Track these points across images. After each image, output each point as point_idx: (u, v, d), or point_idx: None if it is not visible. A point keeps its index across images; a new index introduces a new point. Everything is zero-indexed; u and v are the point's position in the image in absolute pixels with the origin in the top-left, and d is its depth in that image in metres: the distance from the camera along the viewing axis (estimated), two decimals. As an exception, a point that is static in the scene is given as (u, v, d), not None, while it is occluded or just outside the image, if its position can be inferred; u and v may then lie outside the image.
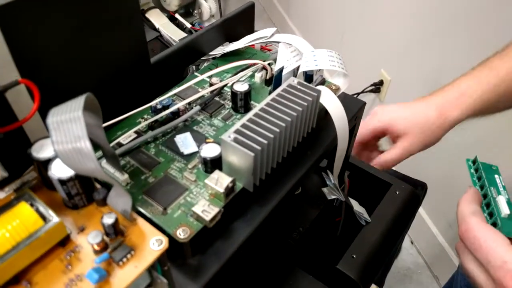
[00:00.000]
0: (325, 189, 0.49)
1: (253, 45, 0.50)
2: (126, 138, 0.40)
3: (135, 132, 0.40)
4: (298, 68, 0.43)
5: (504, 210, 0.38)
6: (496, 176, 0.42)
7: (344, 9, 1.48)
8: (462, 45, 0.98)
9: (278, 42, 0.45)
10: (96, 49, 0.37)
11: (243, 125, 0.35)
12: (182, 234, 0.32)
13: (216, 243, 0.35)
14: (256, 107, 0.36)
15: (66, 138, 0.26)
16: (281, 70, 0.42)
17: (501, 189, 0.41)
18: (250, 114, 0.36)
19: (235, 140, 0.34)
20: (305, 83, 0.38)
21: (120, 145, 0.39)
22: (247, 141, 0.34)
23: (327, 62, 0.41)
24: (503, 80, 0.53)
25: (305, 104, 0.37)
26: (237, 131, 0.34)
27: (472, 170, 0.42)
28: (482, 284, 0.34)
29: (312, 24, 1.76)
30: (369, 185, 0.59)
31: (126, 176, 0.36)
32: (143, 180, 0.37)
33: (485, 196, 0.40)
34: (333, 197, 0.49)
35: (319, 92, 0.38)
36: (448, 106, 0.55)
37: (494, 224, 0.37)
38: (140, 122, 0.42)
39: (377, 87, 1.41)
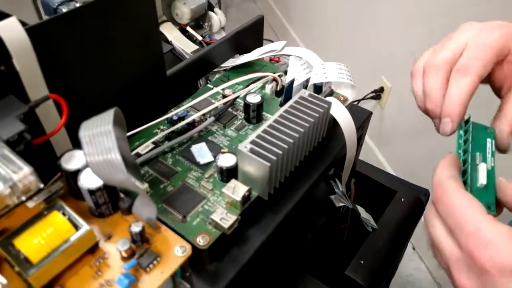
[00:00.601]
0: (333, 197, 0.51)
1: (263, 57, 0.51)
2: (144, 148, 0.41)
3: (153, 142, 0.42)
4: (308, 80, 0.45)
5: (481, 179, 0.33)
6: (488, 140, 0.36)
7: (344, 16, 1.50)
8: None
9: (289, 55, 0.46)
10: (116, 64, 0.39)
11: (259, 136, 0.36)
12: (201, 241, 0.34)
13: (232, 249, 0.37)
14: (270, 119, 0.38)
15: (97, 150, 0.28)
16: (292, 82, 0.44)
17: (488, 155, 0.35)
18: (264, 125, 0.37)
19: (251, 151, 0.35)
20: (315, 95, 0.40)
21: (138, 155, 0.40)
22: (262, 151, 0.35)
23: (336, 75, 0.43)
24: None
25: (317, 115, 0.38)
26: (253, 142, 0.36)
27: (461, 131, 0.36)
28: (447, 254, 0.29)
29: (312, 30, 1.78)
30: (374, 192, 0.60)
31: (146, 185, 0.37)
32: (162, 189, 0.38)
33: (464, 162, 0.34)
34: (341, 204, 0.50)
35: (329, 104, 0.40)
36: None
37: None
38: (156, 133, 0.43)
39: (377, 94, 1.43)
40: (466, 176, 0.33)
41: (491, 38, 0.35)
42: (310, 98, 0.40)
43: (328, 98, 0.42)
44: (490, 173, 0.33)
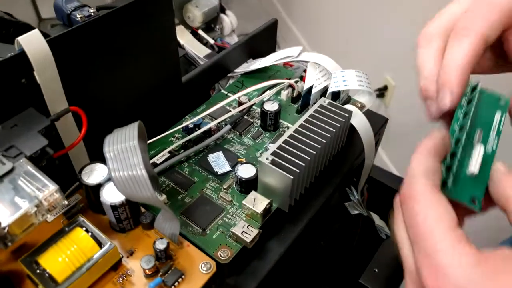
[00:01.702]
0: (347, 204, 0.50)
1: (277, 62, 0.51)
2: (160, 158, 0.41)
3: (169, 151, 0.41)
4: (325, 87, 0.44)
5: (472, 166, 0.25)
6: (497, 114, 0.28)
7: (348, 13, 1.49)
8: None
9: (306, 62, 0.46)
10: (134, 73, 0.38)
11: (280, 147, 0.36)
12: (222, 255, 0.33)
13: (251, 262, 0.36)
14: (290, 128, 0.37)
15: (122, 166, 0.27)
16: (310, 89, 0.43)
17: (492, 134, 0.27)
18: (285, 136, 0.37)
19: (273, 162, 0.35)
20: (335, 103, 0.39)
21: (154, 165, 0.40)
22: (285, 163, 0.35)
23: (356, 82, 0.42)
24: None
25: (338, 125, 0.38)
26: (274, 153, 0.35)
27: (463, 101, 0.28)
28: (405, 262, 0.25)
29: (315, 28, 1.77)
30: (386, 197, 0.60)
31: (164, 197, 0.37)
32: (179, 200, 0.37)
33: (457, 141, 0.27)
34: (356, 212, 0.50)
35: (350, 113, 0.39)
36: None
37: (444, 184, 0.26)
38: (171, 141, 0.43)
39: (381, 92, 1.42)
40: (453, 160, 0.26)
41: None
42: (330, 107, 0.39)
43: (348, 107, 0.41)
44: (488, 159, 0.26)
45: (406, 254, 0.25)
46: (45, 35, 0.29)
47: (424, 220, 0.23)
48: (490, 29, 0.28)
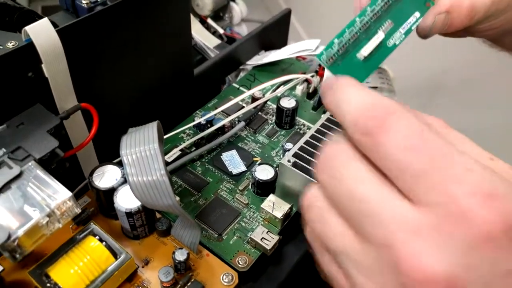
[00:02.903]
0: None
1: (290, 54, 0.48)
2: (171, 156, 0.38)
3: (180, 149, 0.39)
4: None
5: (363, 50, 0.24)
6: (417, 13, 0.28)
7: (348, 5, 1.47)
8: (468, 44, 0.97)
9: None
10: (147, 65, 0.35)
11: (301, 148, 0.34)
12: (241, 262, 0.31)
13: (268, 268, 0.34)
14: (312, 129, 0.35)
15: (141, 171, 0.25)
16: (328, 86, 0.41)
17: (400, 31, 0.27)
18: (306, 136, 0.34)
19: (295, 165, 0.33)
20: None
21: (166, 164, 0.37)
22: (306, 165, 0.33)
23: (378, 79, 0.40)
24: None
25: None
26: (295, 155, 0.33)
27: None
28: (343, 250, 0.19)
29: (315, 19, 1.74)
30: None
31: (177, 198, 0.34)
32: (193, 202, 0.35)
33: (364, 26, 0.25)
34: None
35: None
36: None
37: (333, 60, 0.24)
38: (182, 138, 0.40)
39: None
40: (353, 41, 0.25)
41: None
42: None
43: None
44: (385, 51, 0.26)
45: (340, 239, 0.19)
46: (53, 24, 0.26)
47: (438, 137, 0.18)
48: None
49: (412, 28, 0.28)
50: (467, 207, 0.16)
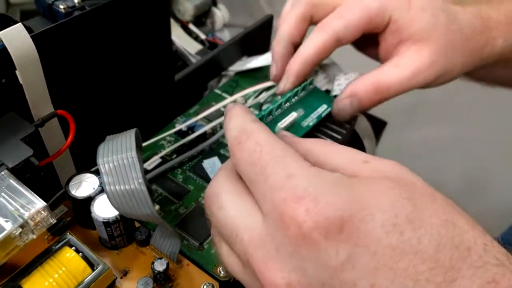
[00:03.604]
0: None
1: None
2: (151, 163, 0.38)
3: (161, 157, 0.38)
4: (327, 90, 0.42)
5: (280, 124, 0.30)
6: (324, 105, 0.34)
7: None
8: None
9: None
10: (125, 71, 0.35)
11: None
12: (223, 272, 0.31)
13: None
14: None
15: (119, 180, 0.24)
16: (310, 92, 0.41)
17: (312, 116, 0.33)
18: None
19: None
20: (340, 109, 0.37)
21: (145, 171, 0.37)
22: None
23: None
24: None
25: (344, 132, 0.36)
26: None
27: (297, 88, 0.33)
28: (244, 236, 0.20)
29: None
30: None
31: (157, 207, 0.34)
32: (173, 211, 0.35)
33: (278, 108, 0.31)
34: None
35: (356, 117, 0.37)
36: (497, 22, 0.33)
37: None
38: (163, 145, 0.40)
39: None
40: (264, 120, 0.30)
41: None
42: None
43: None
44: (300, 130, 0.31)
45: (242, 223, 0.21)
46: (29, 30, 0.25)
47: (271, 150, 0.20)
48: (346, 29, 0.31)
49: (323, 115, 0.33)
50: (284, 212, 0.18)
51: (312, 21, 0.35)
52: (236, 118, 0.23)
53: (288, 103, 0.33)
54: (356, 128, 0.41)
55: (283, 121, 0.31)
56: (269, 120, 0.31)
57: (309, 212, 0.18)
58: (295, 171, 0.19)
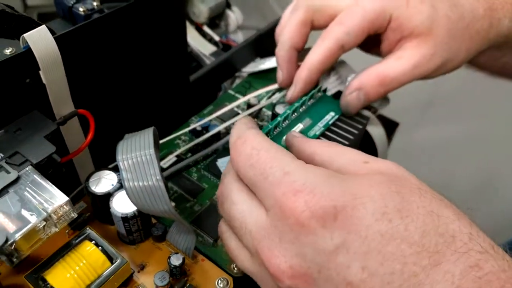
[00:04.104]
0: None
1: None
2: (167, 162, 0.38)
3: (176, 155, 0.39)
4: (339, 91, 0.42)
5: (283, 141, 0.29)
6: (331, 113, 0.34)
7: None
8: None
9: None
10: (143, 72, 0.36)
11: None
12: (236, 268, 0.32)
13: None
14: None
15: (137, 176, 0.25)
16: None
17: (320, 124, 0.33)
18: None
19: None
20: (354, 109, 0.38)
21: (161, 169, 0.38)
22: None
23: (371, 87, 0.40)
24: None
25: (356, 132, 0.36)
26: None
27: (305, 97, 0.34)
28: (252, 230, 0.22)
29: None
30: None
31: (173, 204, 0.35)
32: (188, 208, 0.36)
33: (284, 119, 0.32)
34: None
35: (368, 119, 0.38)
36: (502, 2, 0.33)
37: None
38: (178, 144, 0.41)
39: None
40: (271, 133, 0.30)
41: (367, 1, 0.32)
42: (346, 113, 0.38)
43: (364, 112, 0.39)
44: (308, 137, 0.31)
45: (249, 219, 0.23)
46: (52, 32, 0.26)
47: (266, 152, 0.23)
48: (348, 36, 0.32)
49: (330, 123, 0.34)
50: (284, 204, 0.20)
51: (313, 26, 0.35)
52: (236, 127, 0.26)
53: (295, 114, 0.33)
54: (368, 129, 0.41)
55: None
56: (276, 132, 0.31)
57: (307, 203, 0.20)
58: (291, 169, 0.21)
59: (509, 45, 0.36)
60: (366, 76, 0.33)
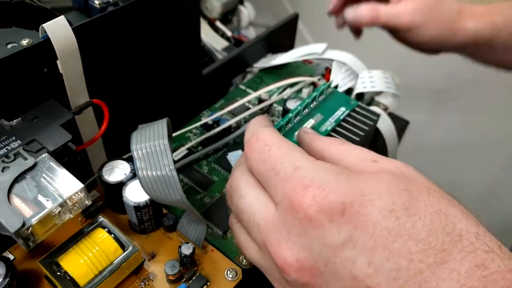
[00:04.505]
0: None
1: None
2: (178, 154, 0.39)
3: (187, 148, 0.39)
4: (349, 87, 0.42)
5: (295, 137, 0.30)
6: (341, 108, 0.35)
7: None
8: None
9: (331, 60, 0.44)
10: (156, 64, 0.36)
11: (306, 149, 0.34)
12: (245, 260, 0.32)
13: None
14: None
15: (151, 166, 0.25)
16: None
17: (331, 120, 0.34)
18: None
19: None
20: (364, 106, 0.38)
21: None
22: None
23: (383, 84, 0.41)
24: None
25: (367, 128, 0.36)
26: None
27: (315, 93, 0.34)
28: (260, 223, 0.23)
29: (320, 24, 1.74)
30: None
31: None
32: (198, 200, 0.36)
33: (296, 116, 0.32)
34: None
35: (378, 116, 0.38)
36: (473, 9, 0.46)
37: None
38: (189, 137, 0.41)
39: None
40: (283, 129, 0.31)
41: None
42: (357, 109, 0.38)
43: (374, 109, 0.40)
44: (319, 132, 0.32)
45: (258, 212, 0.23)
46: (70, 23, 0.27)
47: (278, 148, 0.23)
48: None
49: (341, 118, 0.34)
50: (293, 198, 0.21)
51: None
52: (250, 125, 0.26)
53: (306, 109, 0.34)
54: (378, 127, 0.41)
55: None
56: (288, 128, 0.32)
57: (315, 198, 0.20)
58: (301, 164, 0.22)
59: (486, 46, 0.46)
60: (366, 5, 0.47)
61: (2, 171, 0.24)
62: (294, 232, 0.21)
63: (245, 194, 0.24)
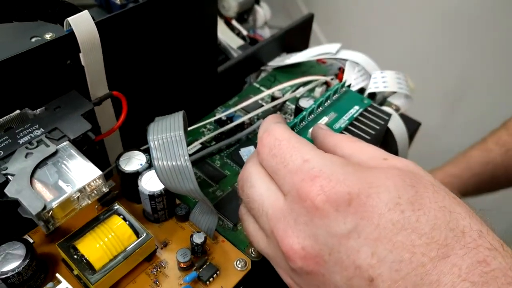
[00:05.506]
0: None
1: (311, 58, 0.50)
2: (192, 148, 0.40)
3: (201, 143, 0.40)
4: (362, 87, 0.43)
5: (309, 133, 0.31)
6: (355, 107, 0.35)
7: (367, 11, 1.47)
8: (487, 54, 0.97)
9: (344, 60, 0.45)
10: (173, 60, 0.37)
11: (317, 146, 0.35)
12: (254, 252, 0.33)
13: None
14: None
15: (167, 156, 0.26)
16: (347, 89, 0.43)
17: (344, 118, 0.34)
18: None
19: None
20: (376, 105, 0.38)
21: (186, 155, 0.39)
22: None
23: (396, 84, 0.41)
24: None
25: (378, 128, 0.37)
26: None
27: (329, 92, 0.35)
28: (269, 211, 0.23)
29: (334, 24, 1.75)
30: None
31: (196, 188, 0.36)
32: (211, 193, 0.37)
33: (310, 114, 0.33)
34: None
35: (390, 116, 0.38)
36: None
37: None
38: (203, 132, 0.42)
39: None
40: (297, 127, 0.32)
41: None
42: (369, 108, 0.38)
43: (387, 109, 0.40)
44: (333, 129, 0.32)
45: (267, 201, 0.24)
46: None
47: (288, 141, 0.24)
48: None
49: (354, 116, 0.35)
50: (301, 188, 0.21)
51: None
52: (264, 122, 0.27)
53: (320, 108, 0.34)
54: (390, 127, 0.42)
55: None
56: (302, 126, 0.32)
57: (323, 188, 0.21)
58: (310, 157, 0.23)
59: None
60: None
61: (26, 157, 0.25)
62: (301, 220, 0.22)
63: (256, 184, 0.25)
